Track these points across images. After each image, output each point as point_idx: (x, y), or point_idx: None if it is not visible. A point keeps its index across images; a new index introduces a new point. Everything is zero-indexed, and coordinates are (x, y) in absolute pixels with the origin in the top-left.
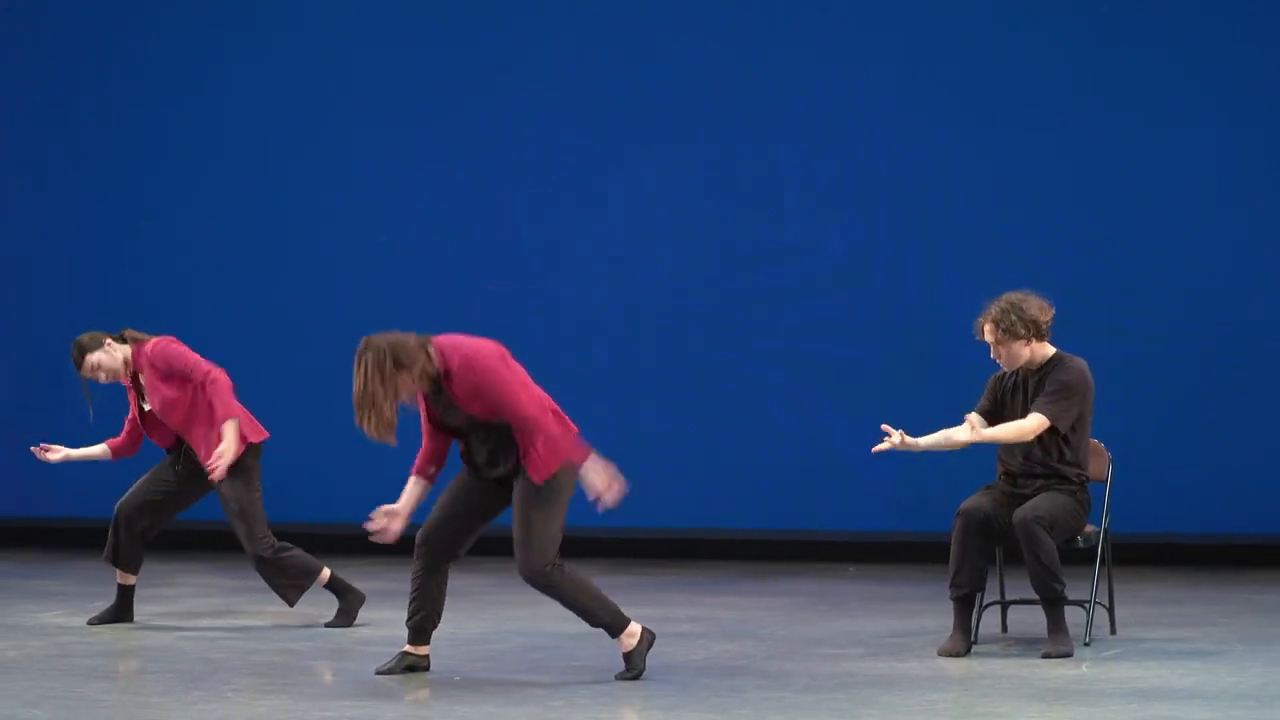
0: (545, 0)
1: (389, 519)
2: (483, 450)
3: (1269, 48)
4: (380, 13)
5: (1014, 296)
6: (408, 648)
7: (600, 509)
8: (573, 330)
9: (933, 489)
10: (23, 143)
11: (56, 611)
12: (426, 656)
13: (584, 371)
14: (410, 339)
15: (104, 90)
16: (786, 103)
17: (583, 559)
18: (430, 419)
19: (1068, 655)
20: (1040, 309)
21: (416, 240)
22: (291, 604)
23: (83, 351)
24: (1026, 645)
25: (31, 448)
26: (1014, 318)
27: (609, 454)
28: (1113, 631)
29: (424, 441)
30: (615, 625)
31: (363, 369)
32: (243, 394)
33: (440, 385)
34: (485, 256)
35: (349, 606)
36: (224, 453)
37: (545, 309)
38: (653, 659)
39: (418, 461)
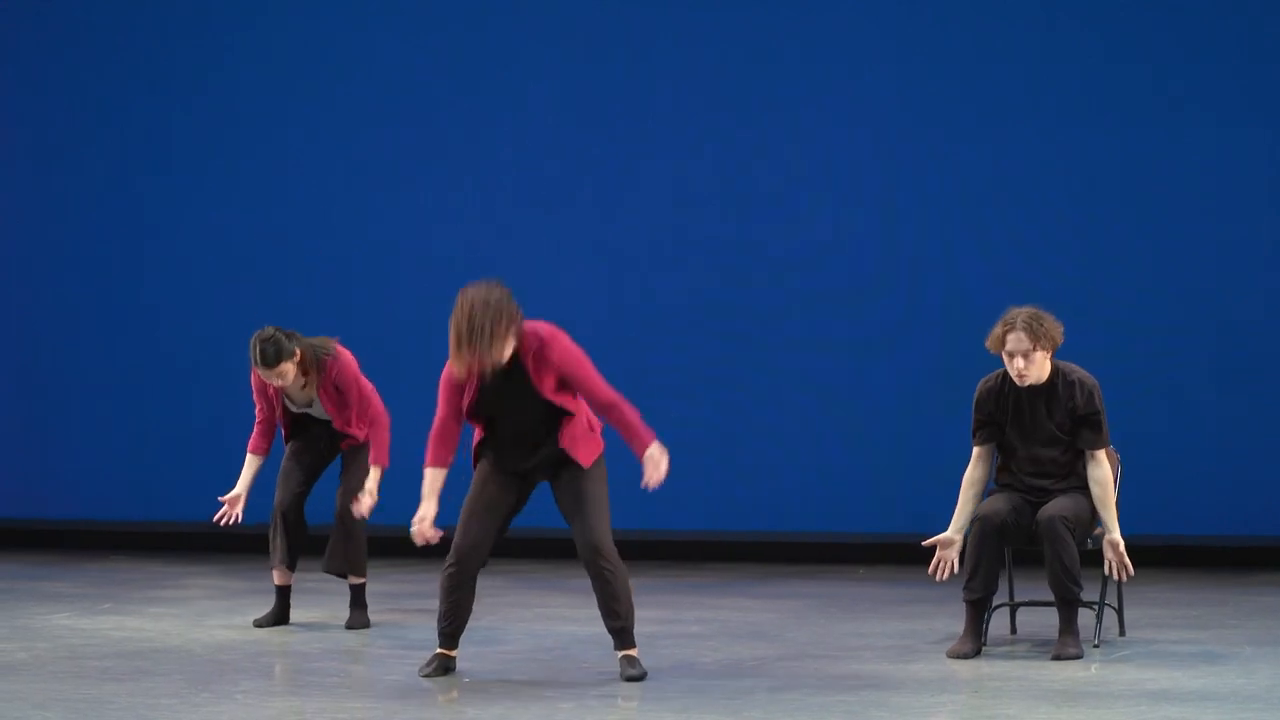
0: (552, 2)
1: (424, 526)
2: (514, 440)
3: (1275, 47)
4: (384, 13)
5: (1031, 310)
6: (442, 650)
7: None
8: (584, 332)
9: (943, 492)
10: (25, 143)
11: (64, 613)
12: (455, 658)
13: None
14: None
15: (107, 90)
16: (799, 104)
17: None
18: (459, 403)
19: (1077, 657)
20: (1057, 324)
21: (421, 240)
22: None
23: (280, 356)
24: (1035, 647)
25: (218, 518)
26: (1044, 327)
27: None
28: (1122, 633)
29: (439, 430)
30: (631, 632)
31: (492, 308)
32: (245, 394)
33: (518, 358)
34: (489, 257)
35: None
36: (368, 496)
37: (555, 311)
38: (662, 660)
39: (435, 452)
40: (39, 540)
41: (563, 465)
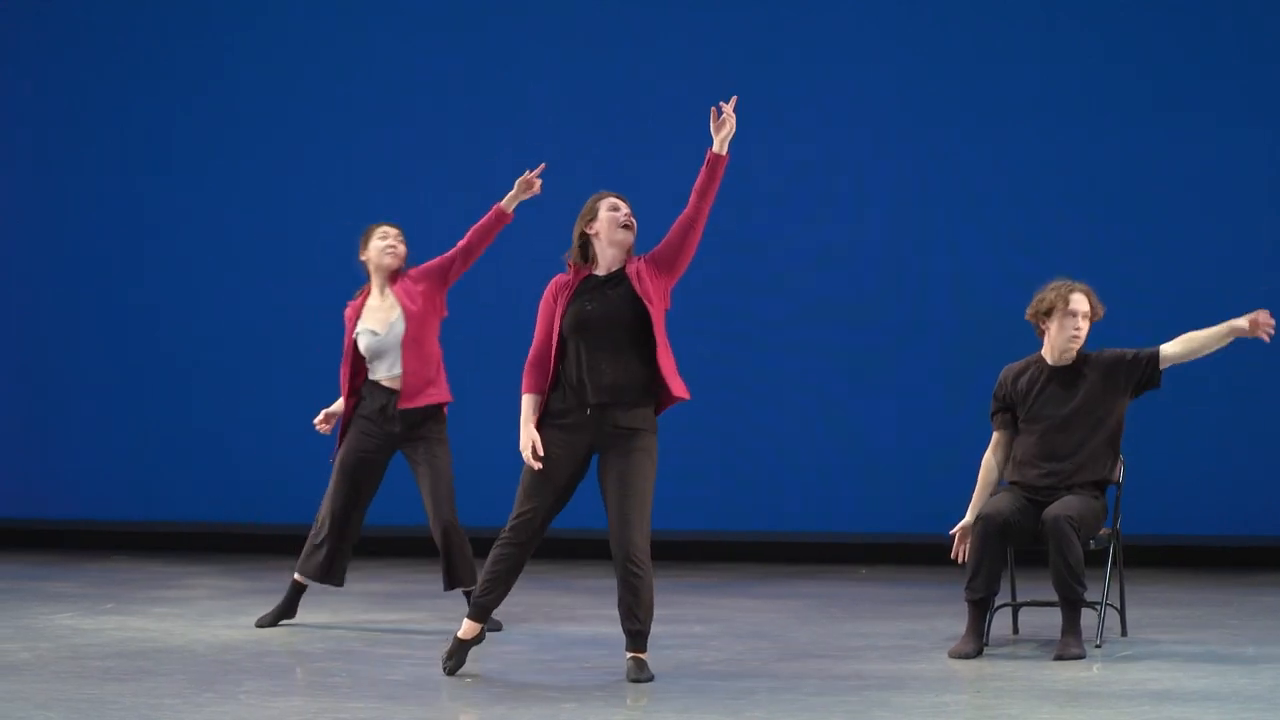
0: (552, 2)
1: (536, 447)
2: (606, 372)
3: (1275, 47)
4: (384, 13)
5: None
6: (468, 624)
7: None
8: None
9: (945, 491)
10: (26, 143)
11: (67, 613)
12: (483, 632)
13: None
14: None
15: (107, 90)
16: (799, 104)
17: (593, 561)
18: (552, 323)
19: (1080, 657)
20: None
21: (422, 240)
22: (447, 588)
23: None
24: (1038, 647)
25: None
26: (1097, 300)
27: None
28: (1124, 633)
29: (535, 355)
30: (646, 636)
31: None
32: (246, 394)
33: (623, 271)
34: (489, 257)
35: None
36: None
37: None
38: (664, 660)
39: (532, 378)
40: (39, 540)
41: (623, 442)
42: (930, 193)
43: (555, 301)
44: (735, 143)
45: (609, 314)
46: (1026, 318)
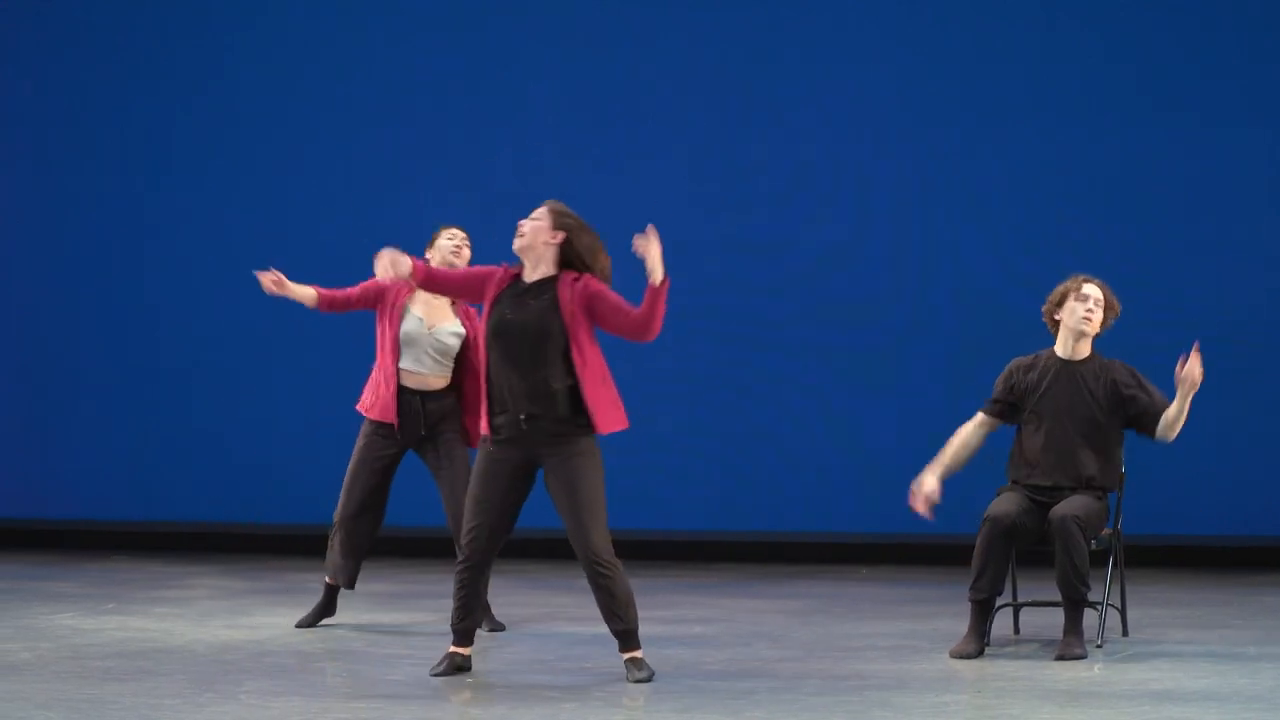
0: (552, 2)
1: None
2: (508, 385)
3: (1275, 47)
4: (384, 13)
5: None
6: (454, 649)
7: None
8: None
9: (946, 491)
10: (27, 142)
11: (68, 613)
12: (470, 656)
13: None
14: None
15: (107, 90)
16: (799, 104)
17: None
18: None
19: (1081, 657)
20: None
21: (422, 240)
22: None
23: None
24: (1039, 647)
25: (258, 272)
26: (1112, 295)
27: (619, 456)
28: (1125, 633)
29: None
30: (636, 633)
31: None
32: (246, 394)
33: (554, 281)
34: (489, 257)
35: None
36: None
37: None
38: (665, 661)
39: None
40: (40, 540)
41: (560, 448)
42: (930, 193)
43: (485, 291)
44: (735, 143)
45: (525, 324)
46: (1042, 316)
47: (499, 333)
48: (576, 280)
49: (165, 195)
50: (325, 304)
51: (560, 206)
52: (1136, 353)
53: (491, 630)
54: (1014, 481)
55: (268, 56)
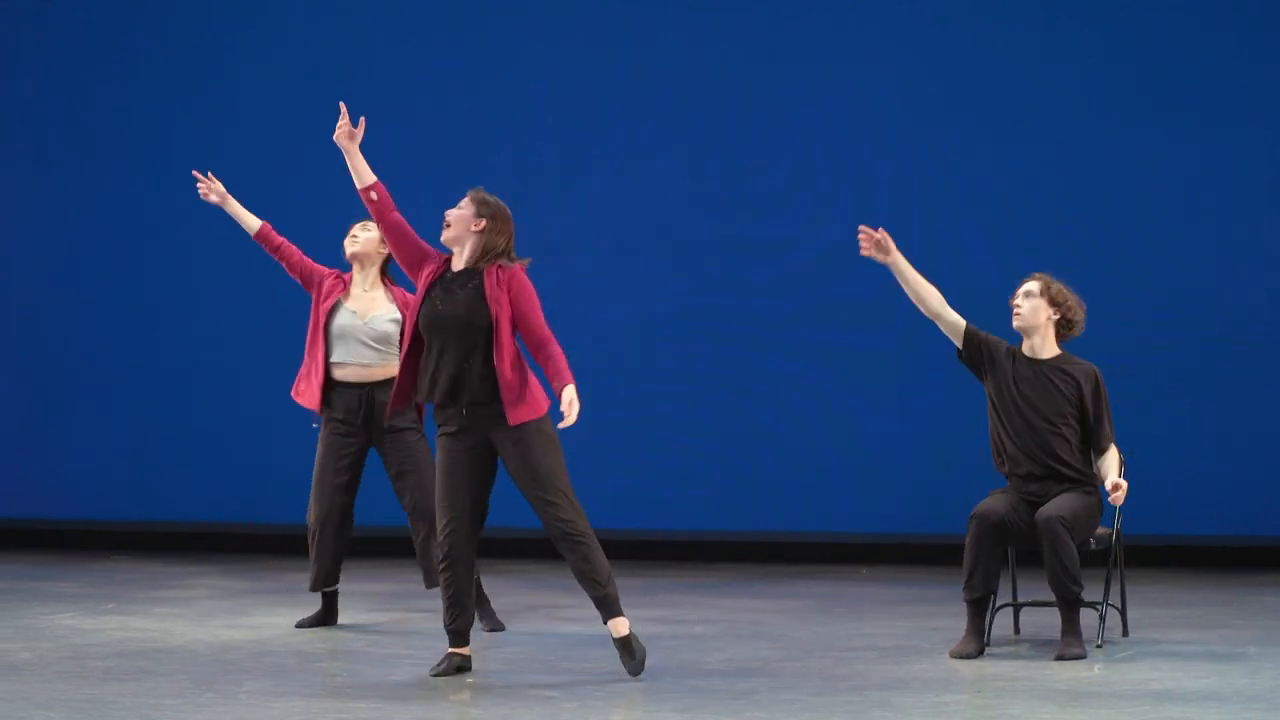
0: (552, 2)
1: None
2: (444, 375)
3: (1275, 47)
4: (384, 14)
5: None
6: (453, 650)
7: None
8: (585, 334)
9: (945, 491)
10: (27, 142)
11: (68, 613)
12: (470, 656)
13: (592, 373)
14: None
15: (107, 90)
16: (799, 104)
17: None
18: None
19: (1080, 657)
20: (1080, 306)
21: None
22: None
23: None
24: (1039, 647)
25: (195, 173)
26: (1063, 292)
27: (618, 456)
28: (1125, 633)
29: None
30: (617, 600)
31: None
32: (246, 394)
33: (479, 272)
34: None
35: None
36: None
37: (555, 312)
38: (665, 661)
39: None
40: (40, 540)
41: (505, 433)
42: (930, 193)
43: (421, 270)
44: (735, 143)
45: (454, 315)
46: None
47: (430, 324)
48: (503, 270)
49: (165, 195)
50: (263, 239)
51: (482, 195)
52: (1137, 353)
53: (491, 630)
54: (1005, 480)
55: (268, 56)
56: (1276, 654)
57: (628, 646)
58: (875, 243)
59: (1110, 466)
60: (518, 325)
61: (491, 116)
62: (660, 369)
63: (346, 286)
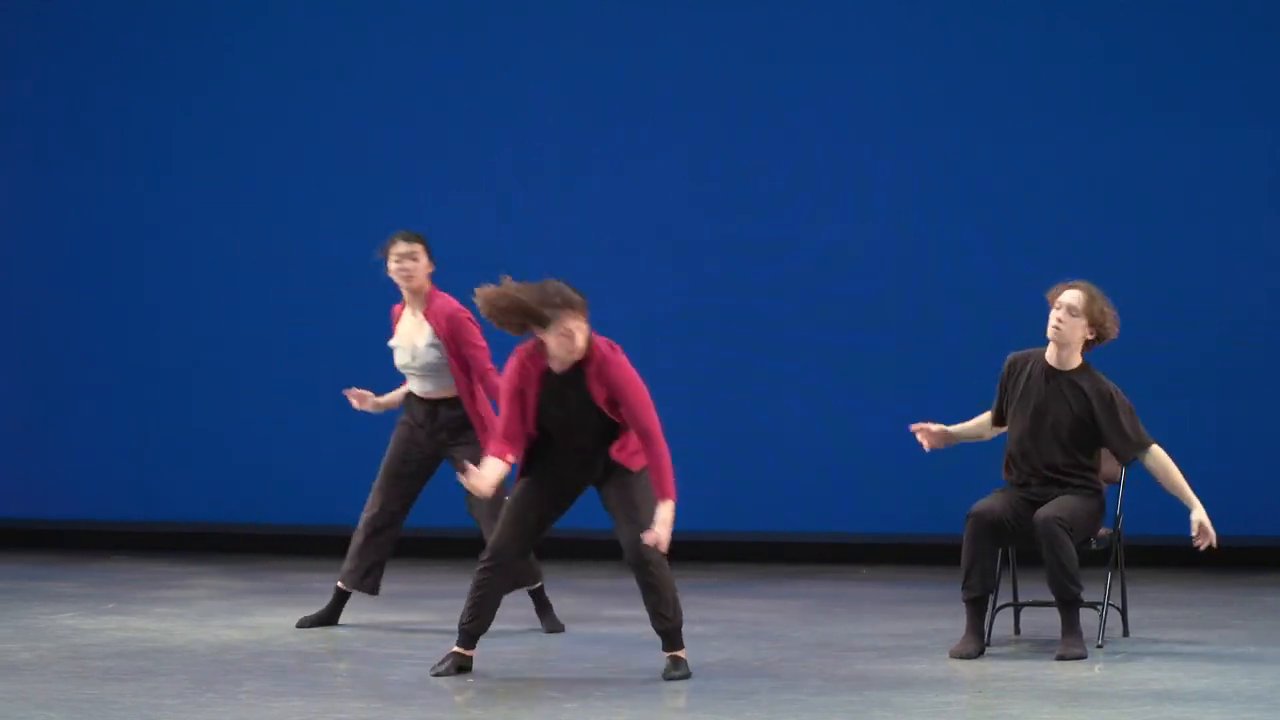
0: (552, 2)
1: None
2: (569, 450)
3: (1275, 47)
4: (384, 14)
5: (1099, 290)
6: (458, 649)
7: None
8: None
9: (945, 491)
10: (27, 142)
11: (68, 613)
12: (472, 658)
13: None
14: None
15: (107, 90)
16: (799, 104)
17: (596, 561)
18: (521, 406)
19: (1081, 657)
20: (1115, 323)
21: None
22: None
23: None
24: (1039, 647)
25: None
26: (1104, 311)
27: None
28: (1125, 633)
29: (505, 430)
30: (679, 631)
31: (534, 288)
32: (246, 394)
33: (580, 366)
34: (489, 258)
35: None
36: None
37: None
38: (666, 660)
39: (499, 446)
40: (40, 540)
41: (612, 470)
42: (930, 193)
43: (523, 383)
44: (735, 143)
45: (571, 418)
46: None
47: (546, 422)
48: (599, 368)
49: (165, 195)
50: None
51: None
52: (1137, 353)
53: (550, 631)
54: (1007, 481)
55: (268, 56)
56: (1276, 654)
57: (676, 663)
58: (932, 436)
59: (1174, 481)
60: (623, 411)
61: (491, 116)
62: (660, 369)
63: (394, 321)
